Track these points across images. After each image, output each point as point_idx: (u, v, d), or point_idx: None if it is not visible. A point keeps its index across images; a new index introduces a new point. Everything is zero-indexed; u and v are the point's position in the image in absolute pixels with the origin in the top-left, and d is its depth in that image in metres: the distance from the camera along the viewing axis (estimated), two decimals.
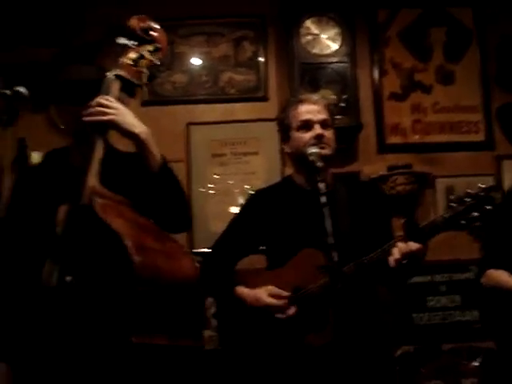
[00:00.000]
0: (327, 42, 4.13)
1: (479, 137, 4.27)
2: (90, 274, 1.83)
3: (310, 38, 4.13)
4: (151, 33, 2.18)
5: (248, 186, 4.14)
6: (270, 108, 4.21)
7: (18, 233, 2.19)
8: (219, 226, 3.87)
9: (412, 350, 3.80)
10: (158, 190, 2.08)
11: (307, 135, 2.48)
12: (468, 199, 2.13)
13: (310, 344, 2.33)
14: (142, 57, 2.13)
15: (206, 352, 2.94)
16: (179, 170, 4.07)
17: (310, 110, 2.53)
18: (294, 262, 2.47)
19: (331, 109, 2.63)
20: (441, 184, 4.15)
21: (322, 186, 2.18)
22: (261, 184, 4.04)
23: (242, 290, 2.52)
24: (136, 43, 2.16)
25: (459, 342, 3.84)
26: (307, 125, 2.50)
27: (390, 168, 4.04)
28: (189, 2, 4.32)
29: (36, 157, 4.06)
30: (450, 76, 4.32)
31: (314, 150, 2.37)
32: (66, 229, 1.90)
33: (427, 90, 4.30)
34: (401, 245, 2.21)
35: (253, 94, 4.28)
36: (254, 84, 4.29)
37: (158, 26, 2.20)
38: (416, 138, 4.24)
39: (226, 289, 2.56)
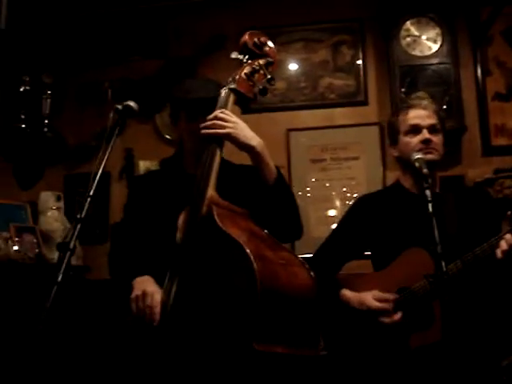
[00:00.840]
0: (428, 43, 4.05)
1: None
2: (210, 283, 1.88)
3: (409, 39, 4.06)
4: (263, 48, 2.24)
5: (348, 191, 4.13)
6: (371, 112, 4.20)
7: (137, 238, 2.29)
8: (319, 231, 3.93)
9: None
10: (274, 202, 2.13)
11: (415, 140, 2.50)
12: None
13: (416, 344, 2.32)
14: (255, 71, 2.19)
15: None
16: None
17: (419, 115, 2.54)
18: (398, 261, 2.47)
19: (441, 114, 2.62)
20: None
21: (428, 192, 2.15)
22: (361, 189, 4.04)
23: (347, 293, 2.54)
24: (248, 57, 2.22)
25: None
26: (415, 129, 2.52)
27: (497, 171, 3.91)
28: (286, 10, 4.36)
29: (143, 165, 4.21)
30: None
31: (419, 155, 2.36)
32: (185, 238, 1.97)
33: None
34: (509, 236, 2.19)
35: (352, 98, 4.26)
36: (353, 88, 4.27)
37: (270, 41, 2.26)
38: None
39: (331, 292, 2.57)
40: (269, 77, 2.19)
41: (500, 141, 4.11)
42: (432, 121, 2.53)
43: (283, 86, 4.31)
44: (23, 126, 4.19)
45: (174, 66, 4.29)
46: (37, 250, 3.80)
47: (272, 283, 1.77)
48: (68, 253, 1.80)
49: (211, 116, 2.11)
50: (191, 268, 1.93)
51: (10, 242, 3.66)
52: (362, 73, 4.27)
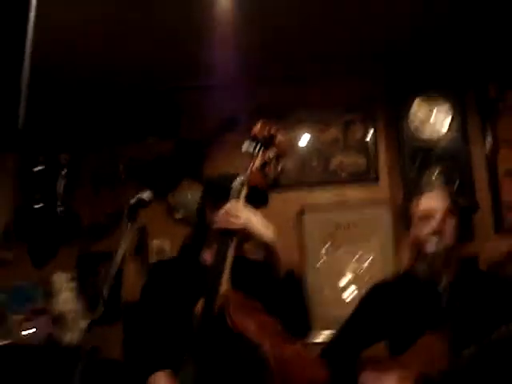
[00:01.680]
0: (437, 124, 4.10)
1: None
2: (225, 377, 1.87)
3: (418, 122, 4.12)
4: (274, 140, 2.27)
5: (361, 269, 4.12)
6: (382, 190, 4.22)
7: (153, 326, 2.28)
8: (332, 310, 3.90)
9: None
10: (284, 297, 2.12)
11: (427, 228, 2.50)
12: None
13: None
14: (266, 164, 2.22)
15: None
16: (293, 253, 4.17)
17: (431, 201, 2.57)
18: (416, 347, 2.43)
19: (454, 198, 2.63)
20: None
21: (442, 287, 2.15)
22: (374, 268, 4.03)
23: None
24: (259, 149, 2.25)
25: None
26: (427, 216, 2.53)
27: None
28: (295, 91, 4.43)
29: (156, 244, 4.23)
30: None
31: (433, 248, 2.37)
32: (199, 331, 1.96)
33: None
34: None
35: (363, 176, 4.29)
36: (364, 167, 4.30)
37: (279, 133, 2.29)
38: None
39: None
40: (278, 169, 2.24)
41: None
42: (443, 206, 2.54)
43: (295, 165, 4.35)
44: (38, 205, 4.24)
45: (187, 147, 4.36)
46: (49, 331, 3.79)
47: (287, 380, 1.76)
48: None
49: (223, 210, 2.12)
50: (206, 361, 1.91)
51: (24, 324, 3.66)
52: (372, 150, 4.31)
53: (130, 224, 2.14)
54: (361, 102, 4.41)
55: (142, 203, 2.20)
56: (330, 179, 4.33)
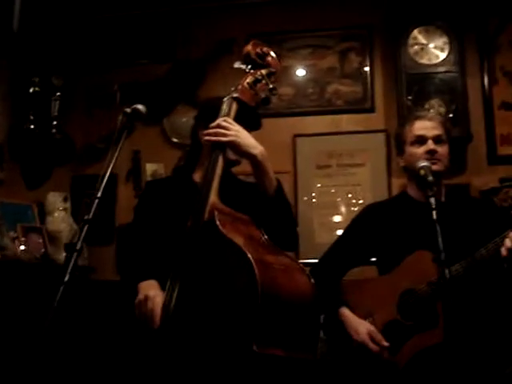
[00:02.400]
0: (435, 51, 4.06)
1: None
2: (211, 286, 1.90)
3: (417, 48, 4.07)
4: (266, 58, 2.28)
5: (353, 197, 4.14)
6: (377, 119, 4.21)
7: (145, 241, 2.34)
8: (323, 237, 3.95)
9: None
10: (272, 213, 2.17)
11: (420, 150, 2.56)
12: None
13: (419, 345, 2.37)
14: (258, 81, 2.22)
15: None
16: (286, 181, 4.19)
17: (425, 126, 2.60)
18: (403, 265, 2.52)
19: (447, 125, 2.68)
20: None
21: (432, 200, 2.18)
22: (367, 196, 4.06)
23: (346, 314, 2.57)
24: (251, 67, 2.26)
25: None
26: (421, 140, 2.58)
27: (502, 180, 3.92)
28: (294, 16, 4.38)
29: (150, 168, 4.24)
30: None
31: (424, 163, 2.38)
32: (187, 242, 1.99)
33: None
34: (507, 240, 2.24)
35: (359, 105, 4.27)
36: (360, 95, 4.28)
37: (271, 51, 2.30)
38: None
39: (331, 305, 2.62)
40: (271, 86, 2.22)
41: (506, 150, 4.11)
42: (437, 131, 2.59)
43: (290, 92, 4.33)
44: (32, 126, 4.22)
45: (183, 70, 4.31)
46: (43, 250, 3.84)
47: (272, 287, 1.80)
48: (75, 253, 1.83)
49: (214, 124, 2.16)
50: (193, 272, 1.95)
51: (17, 241, 3.70)
52: (369, 79, 4.29)
53: (124, 134, 2.13)
54: (359, 30, 4.36)
55: (137, 114, 2.19)
56: (325, 107, 4.30)
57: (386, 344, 2.45)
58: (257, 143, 2.18)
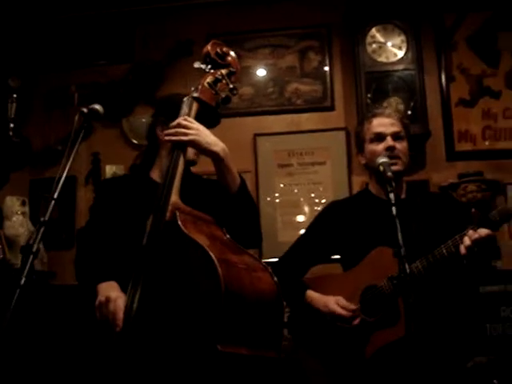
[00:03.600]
0: (393, 49, 4.11)
1: None
2: (174, 287, 1.88)
3: (375, 46, 4.11)
4: (226, 57, 2.28)
5: (315, 196, 4.16)
6: (337, 117, 4.24)
7: (103, 242, 2.28)
8: (286, 236, 3.95)
9: (485, 361, 3.71)
10: (236, 210, 2.17)
11: (379, 147, 2.57)
12: None
13: (379, 343, 2.39)
14: (218, 80, 2.22)
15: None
16: (247, 180, 4.16)
17: (383, 123, 2.61)
18: (365, 261, 2.54)
19: (405, 122, 2.69)
20: None
21: (392, 196, 2.19)
22: (328, 194, 4.08)
23: (312, 295, 2.60)
24: (211, 67, 2.26)
25: None
26: (380, 137, 2.59)
27: (461, 175, 3.97)
28: (253, 16, 4.39)
29: (110, 170, 4.19)
30: None
31: (383, 159, 2.39)
32: (149, 242, 1.97)
33: (496, 95, 4.21)
34: (471, 232, 2.25)
35: (319, 103, 4.29)
36: (320, 94, 4.30)
37: (231, 51, 2.31)
38: (486, 145, 4.16)
39: (296, 293, 2.63)
40: (231, 86, 2.22)
41: (464, 146, 4.17)
42: (396, 128, 2.60)
43: (250, 92, 4.34)
44: None
45: (142, 71, 4.28)
46: (1, 256, 3.76)
47: (235, 286, 1.79)
48: (31, 256, 1.79)
49: (174, 123, 2.14)
50: (155, 272, 1.93)
51: None
52: (328, 79, 4.31)
53: (81, 135, 2.10)
54: (317, 29, 4.39)
55: (94, 114, 2.16)
56: (285, 106, 4.32)
57: (354, 307, 2.47)
58: (218, 140, 2.17)
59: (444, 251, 2.32)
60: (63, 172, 1.97)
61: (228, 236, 2.04)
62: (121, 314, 1.97)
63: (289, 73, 4.36)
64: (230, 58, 2.30)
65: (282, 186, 4.21)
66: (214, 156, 2.15)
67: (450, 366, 2.44)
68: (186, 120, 2.14)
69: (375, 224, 2.56)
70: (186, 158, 2.13)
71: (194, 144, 2.13)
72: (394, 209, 2.12)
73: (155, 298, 1.90)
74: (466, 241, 2.25)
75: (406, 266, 2.02)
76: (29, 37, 4.41)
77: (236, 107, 4.28)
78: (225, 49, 2.30)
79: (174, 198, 2.02)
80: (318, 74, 4.33)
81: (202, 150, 2.15)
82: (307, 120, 4.29)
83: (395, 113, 2.72)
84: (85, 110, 2.15)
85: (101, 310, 2.03)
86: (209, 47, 2.28)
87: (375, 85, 4.05)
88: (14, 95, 4.19)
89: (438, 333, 2.42)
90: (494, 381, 3.57)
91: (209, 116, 2.27)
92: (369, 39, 4.11)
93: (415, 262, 2.32)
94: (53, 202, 1.90)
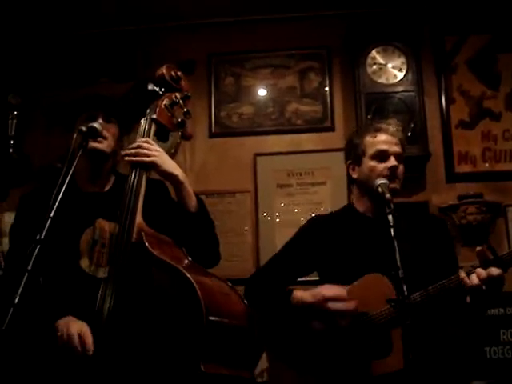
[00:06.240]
0: (393, 71, 4.13)
1: None
2: (148, 310, 1.86)
3: (375, 67, 4.14)
4: (180, 81, 2.31)
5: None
6: (337, 138, 4.24)
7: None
8: None
9: None
10: (195, 230, 2.17)
11: (381, 166, 2.45)
12: None
13: (378, 371, 2.28)
14: (174, 103, 2.24)
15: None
16: (247, 199, 4.20)
17: (388, 140, 2.49)
18: (357, 286, 2.41)
19: (404, 144, 2.58)
20: None
21: (391, 218, 2.15)
22: None
23: (299, 292, 2.47)
24: (165, 90, 2.28)
25: None
26: (383, 155, 2.47)
27: (461, 197, 3.97)
28: (254, 36, 4.43)
29: None
30: None
31: (382, 181, 2.35)
32: (115, 266, 1.95)
33: (496, 117, 4.22)
34: (480, 270, 2.17)
35: (319, 124, 4.31)
36: (320, 114, 4.32)
37: (184, 76, 2.34)
38: (486, 167, 4.16)
39: (281, 298, 2.51)
40: (185, 110, 2.24)
41: (464, 168, 4.17)
42: (399, 149, 2.49)
43: (251, 111, 4.35)
44: None
45: (143, 89, 4.28)
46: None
47: (214, 308, 1.80)
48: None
49: (135, 145, 2.15)
50: (123, 296, 1.90)
51: None
52: (328, 99, 4.33)
53: (79, 153, 2.10)
54: (318, 50, 4.43)
55: (93, 132, 2.16)
56: (285, 126, 4.34)
57: (343, 291, 2.38)
58: (176, 165, 2.19)
59: (447, 286, 2.24)
60: (60, 189, 1.95)
61: (190, 258, 2.03)
62: (90, 339, 1.91)
63: (289, 93, 4.38)
64: (183, 83, 2.33)
65: (282, 205, 4.20)
66: (174, 179, 2.16)
67: None
68: (147, 142, 2.15)
69: (360, 242, 2.47)
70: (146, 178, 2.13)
71: (156, 166, 2.12)
72: (392, 231, 2.10)
73: (126, 324, 1.87)
74: (474, 279, 2.17)
75: (404, 289, 2.00)
76: (30, 53, 4.44)
77: (236, 127, 4.30)
78: (179, 73, 2.32)
79: (139, 218, 2.02)
80: (318, 95, 4.35)
81: (161, 171, 2.14)
82: (307, 140, 4.30)
83: (398, 132, 2.57)
84: (83, 128, 2.15)
85: (66, 341, 1.94)
86: (163, 70, 2.31)
87: (375, 106, 4.06)
88: (15, 112, 4.19)
89: (436, 357, 2.36)
90: None
91: (162, 138, 2.28)
92: (369, 60, 4.13)
93: (415, 294, 2.24)
94: (49, 220, 1.88)
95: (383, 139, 2.50)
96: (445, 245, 2.53)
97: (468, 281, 2.18)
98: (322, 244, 2.56)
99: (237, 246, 4.13)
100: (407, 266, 2.24)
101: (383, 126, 2.57)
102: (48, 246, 1.88)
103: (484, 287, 2.16)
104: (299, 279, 2.67)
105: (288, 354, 2.49)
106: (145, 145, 2.14)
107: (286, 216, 4.20)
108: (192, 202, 2.19)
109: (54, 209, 1.91)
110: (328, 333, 2.40)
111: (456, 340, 2.54)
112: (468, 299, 2.24)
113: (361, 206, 2.58)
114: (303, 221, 4.13)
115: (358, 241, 2.49)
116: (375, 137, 2.51)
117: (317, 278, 2.62)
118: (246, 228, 4.18)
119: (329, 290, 2.40)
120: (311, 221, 2.74)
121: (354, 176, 2.59)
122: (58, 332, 1.99)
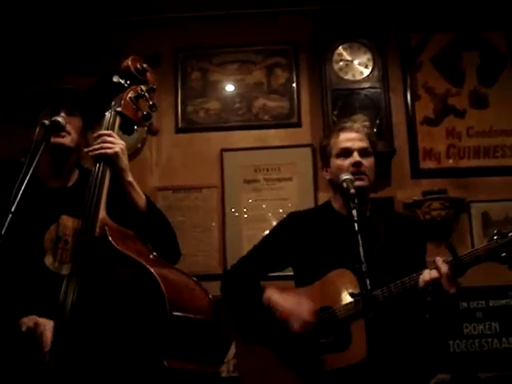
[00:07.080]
0: (359, 67, 4.15)
1: None
2: (110, 306, 1.86)
3: (342, 64, 4.16)
4: (145, 74, 2.28)
5: (284, 212, 4.15)
6: (304, 134, 4.26)
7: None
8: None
9: (448, 378, 3.73)
10: (149, 228, 2.16)
11: (346, 162, 2.49)
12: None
13: (335, 365, 2.30)
14: (139, 96, 2.22)
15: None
16: (213, 195, 4.19)
17: (350, 137, 2.53)
18: (323, 281, 2.45)
19: (372, 138, 2.62)
20: (476, 209, 4.11)
21: (354, 212, 2.17)
22: (294, 209, 4.06)
23: (272, 295, 2.48)
24: (130, 83, 2.26)
25: (497, 370, 3.76)
26: (346, 152, 2.51)
27: (425, 193, 4.02)
28: (221, 31, 4.41)
29: None
30: (483, 100, 4.29)
31: (347, 176, 2.37)
32: (77, 261, 1.92)
33: (461, 114, 4.28)
34: (425, 271, 2.22)
35: (286, 120, 4.31)
36: (287, 110, 4.32)
37: (149, 68, 2.31)
38: (450, 163, 4.21)
39: (252, 295, 2.54)
40: (151, 103, 2.22)
41: (428, 164, 4.22)
42: (363, 144, 2.52)
43: (218, 107, 4.34)
44: None
45: (108, 83, 4.24)
46: None
47: (178, 303, 1.79)
48: None
49: (98, 138, 2.13)
50: (85, 292, 1.88)
51: None
52: (295, 95, 4.34)
53: (42, 147, 2.06)
54: (285, 46, 4.43)
55: (56, 126, 2.13)
56: (252, 122, 4.33)
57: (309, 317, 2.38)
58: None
59: (407, 284, 2.27)
60: (21, 185, 1.92)
61: (154, 253, 2.03)
62: (48, 338, 1.91)
63: (256, 89, 4.37)
64: (149, 75, 2.30)
65: (250, 201, 4.20)
66: (126, 174, 2.15)
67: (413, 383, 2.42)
68: (110, 135, 2.13)
69: (334, 240, 2.50)
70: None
71: (117, 157, 2.11)
72: (356, 225, 2.11)
73: (89, 319, 1.86)
74: (420, 281, 2.22)
75: (367, 282, 2.02)
76: None
77: (203, 122, 4.29)
78: (145, 65, 2.29)
79: (102, 213, 2.00)
80: (285, 91, 4.36)
81: (119, 166, 2.13)
82: (274, 136, 4.30)
83: (363, 128, 2.62)
84: (46, 121, 2.11)
85: (31, 334, 1.96)
86: (129, 62, 2.28)
87: (341, 102, 4.09)
88: None
89: (399, 351, 2.37)
90: None
91: (127, 131, 2.26)
92: (336, 57, 4.15)
93: (377, 291, 2.26)
94: (10, 215, 1.84)
95: (346, 137, 2.54)
96: (419, 245, 2.56)
97: (420, 281, 2.22)
98: (298, 240, 2.59)
99: (203, 241, 4.13)
100: (381, 263, 2.29)
101: (347, 124, 2.63)
102: (11, 242, 1.86)
103: (429, 287, 2.20)
104: (274, 274, 2.69)
105: (257, 342, 2.53)
106: (108, 138, 2.11)
107: (253, 211, 4.20)
108: (141, 200, 2.18)
109: (15, 204, 1.87)
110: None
111: (419, 333, 2.55)
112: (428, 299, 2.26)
113: (336, 204, 2.62)
114: (270, 216, 4.21)
115: (331, 238, 2.53)
116: (339, 136, 2.57)
117: (291, 273, 2.66)
118: (212, 223, 4.17)
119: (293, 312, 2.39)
120: (289, 216, 2.75)
121: (327, 177, 2.63)
122: (22, 329, 1.98)
